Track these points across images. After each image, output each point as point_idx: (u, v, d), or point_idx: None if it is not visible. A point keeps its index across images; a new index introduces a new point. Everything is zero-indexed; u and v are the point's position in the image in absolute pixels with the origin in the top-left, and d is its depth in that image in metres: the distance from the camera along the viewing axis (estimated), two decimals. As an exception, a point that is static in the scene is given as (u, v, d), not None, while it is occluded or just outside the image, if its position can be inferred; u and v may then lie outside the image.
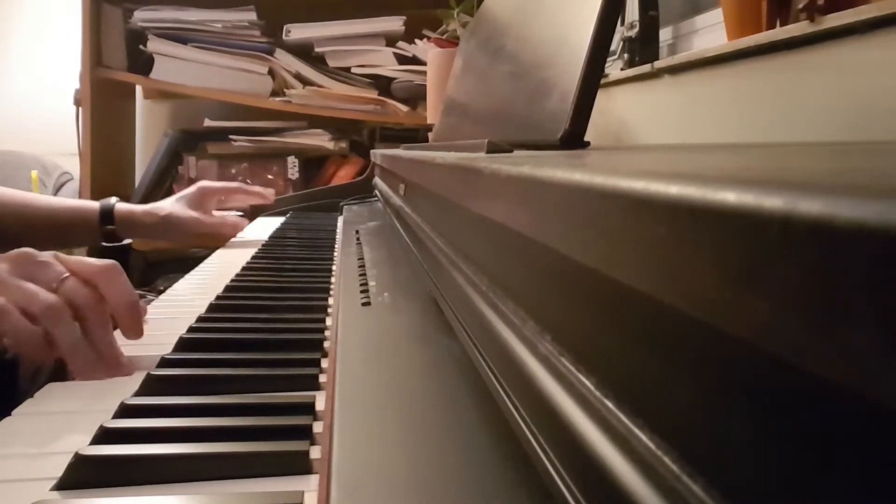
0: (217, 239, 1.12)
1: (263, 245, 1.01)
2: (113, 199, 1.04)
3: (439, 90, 1.28)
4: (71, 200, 1.07)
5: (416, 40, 1.83)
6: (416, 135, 1.74)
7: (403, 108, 1.84)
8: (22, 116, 2.18)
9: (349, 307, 0.56)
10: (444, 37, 1.63)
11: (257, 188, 1.23)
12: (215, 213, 1.14)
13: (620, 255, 0.15)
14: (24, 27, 2.25)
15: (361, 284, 0.64)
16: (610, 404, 0.17)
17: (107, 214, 1.02)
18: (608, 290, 0.18)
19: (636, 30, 0.91)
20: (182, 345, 0.50)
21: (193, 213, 1.07)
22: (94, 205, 1.03)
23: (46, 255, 0.48)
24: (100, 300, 0.48)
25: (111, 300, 0.49)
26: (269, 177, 1.88)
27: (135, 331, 0.51)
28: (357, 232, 0.99)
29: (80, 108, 1.79)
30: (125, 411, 0.38)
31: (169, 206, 1.07)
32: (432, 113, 1.42)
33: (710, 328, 0.12)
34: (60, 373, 0.48)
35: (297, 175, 1.87)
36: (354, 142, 1.91)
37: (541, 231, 0.21)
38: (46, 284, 0.47)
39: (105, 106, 1.87)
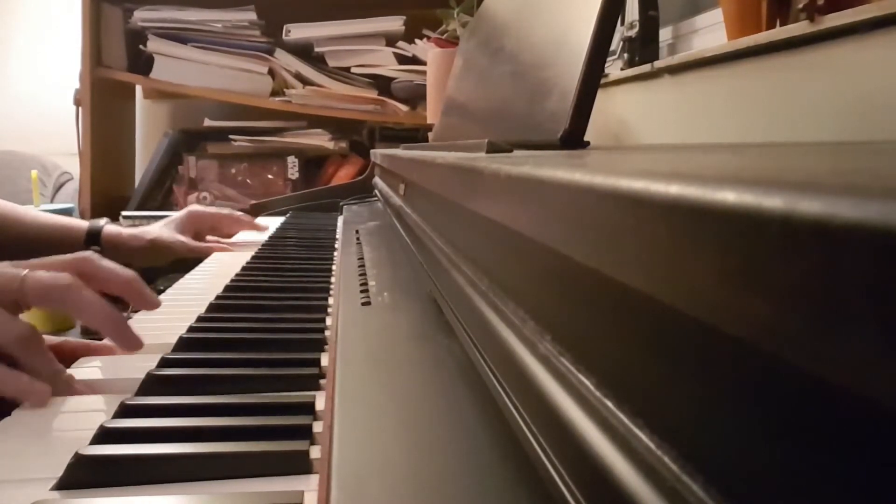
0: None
1: (263, 245, 1.01)
2: (102, 221, 1.03)
3: (439, 90, 1.28)
4: (61, 218, 1.05)
5: (416, 40, 1.83)
6: (416, 135, 1.74)
7: (403, 108, 1.84)
8: (22, 116, 2.18)
9: (349, 307, 0.56)
10: (444, 37, 1.63)
11: (249, 218, 1.20)
12: (209, 238, 1.13)
13: (620, 255, 0.15)
14: (24, 27, 2.25)
15: (361, 284, 0.64)
16: (610, 404, 0.17)
17: (93, 236, 1.01)
18: (608, 291, 0.18)
19: (636, 30, 0.91)
20: (182, 345, 0.50)
21: (180, 238, 1.06)
22: (83, 224, 1.02)
23: None
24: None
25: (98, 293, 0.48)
26: (269, 177, 1.88)
27: (146, 301, 0.51)
28: (357, 232, 0.99)
29: (80, 108, 1.80)
30: (125, 411, 0.38)
31: (156, 230, 1.06)
32: (432, 113, 1.42)
33: (709, 328, 0.12)
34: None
35: (297, 175, 1.87)
36: (354, 142, 1.91)
37: (541, 231, 0.21)
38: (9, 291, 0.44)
39: (105, 106, 1.87)
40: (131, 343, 0.49)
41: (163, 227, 1.08)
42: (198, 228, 1.11)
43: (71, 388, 0.44)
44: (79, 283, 0.46)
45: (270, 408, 0.39)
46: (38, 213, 1.05)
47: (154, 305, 0.51)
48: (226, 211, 1.20)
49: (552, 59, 0.53)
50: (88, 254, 0.50)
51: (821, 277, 0.09)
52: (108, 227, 1.02)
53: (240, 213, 1.21)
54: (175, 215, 1.11)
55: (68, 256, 0.50)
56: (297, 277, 0.76)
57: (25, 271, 0.46)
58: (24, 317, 0.46)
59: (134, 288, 0.51)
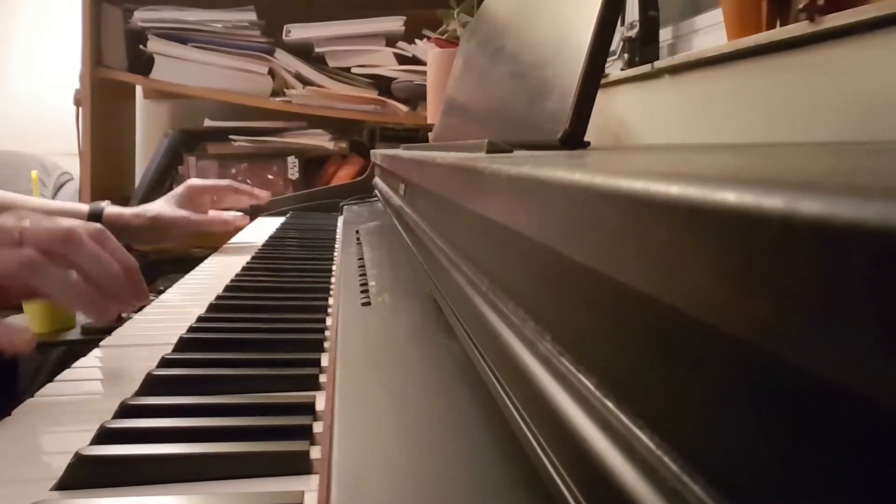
0: (213, 237, 1.10)
1: (263, 245, 1.01)
2: (104, 203, 1.03)
3: (439, 90, 1.28)
4: (62, 203, 1.06)
5: (416, 40, 1.83)
6: (416, 135, 1.74)
7: (403, 108, 1.84)
8: (22, 116, 2.18)
9: (349, 307, 0.56)
10: (444, 37, 1.63)
11: (249, 187, 1.19)
12: (211, 212, 1.13)
13: (620, 255, 0.15)
14: (24, 27, 2.25)
15: (361, 284, 0.64)
16: (610, 404, 0.17)
17: (95, 217, 1.01)
18: (608, 291, 0.18)
19: (636, 30, 0.91)
20: (182, 345, 0.50)
21: (182, 212, 1.05)
22: (85, 208, 1.02)
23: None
24: (65, 233, 0.46)
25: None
26: (269, 177, 1.88)
27: (139, 293, 0.51)
28: (357, 232, 0.99)
29: (80, 108, 1.80)
30: (125, 411, 0.38)
31: (158, 206, 1.06)
32: (432, 113, 1.42)
33: (709, 328, 0.12)
34: (59, 371, 0.48)
35: (297, 175, 1.87)
36: (354, 142, 1.91)
37: (541, 231, 0.21)
38: (8, 241, 0.45)
39: (105, 106, 1.87)
40: (140, 295, 0.51)
41: (164, 204, 1.07)
42: (198, 202, 1.10)
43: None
44: (82, 234, 0.46)
45: (270, 408, 0.39)
46: (38, 199, 1.05)
47: (144, 298, 0.51)
48: (225, 182, 1.18)
49: (552, 59, 0.53)
50: (100, 226, 0.50)
51: (821, 277, 0.09)
52: (109, 208, 1.02)
53: (239, 183, 1.20)
54: (174, 191, 1.10)
55: (80, 222, 0.49)
56: (298, 277, 0.76)
57: (27, 222, 0.46)
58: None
59: (136, 275, 0.51)
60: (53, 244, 0.45)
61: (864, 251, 0.08)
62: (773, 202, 0.10)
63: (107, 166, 1.89)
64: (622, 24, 0.94)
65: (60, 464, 0.32)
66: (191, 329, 0.54)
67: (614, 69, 0.95)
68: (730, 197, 0.11)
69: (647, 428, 0.16)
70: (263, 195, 1.18)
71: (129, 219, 1.03)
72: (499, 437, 0.29)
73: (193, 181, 1.13)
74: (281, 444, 0.34)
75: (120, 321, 0.61)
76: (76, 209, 1.03)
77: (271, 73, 1.85)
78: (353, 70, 1.85)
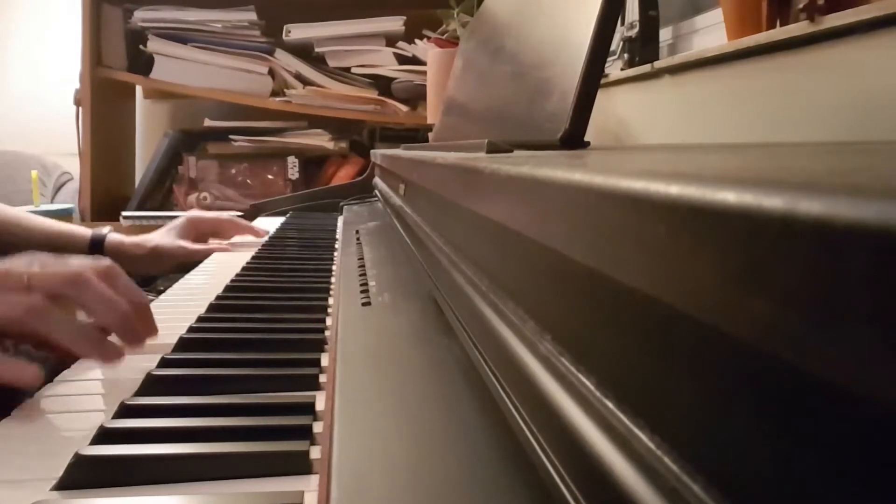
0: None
1: (263, 245, 1.01)
2: (106, 230, 1.04)
3: (439, 90, 1.28)
4: (65, 225, 1.06)
5: (416, 40, 1.83)
6: (416, 135, 1.74)
7: (403, 108, 1.84)
8: (22, 116, 2.18)
9: (349, 307, 0.56)
10: (444, 37, 1.63)
11: (250, 225, 1.20)
12: (212, 241, 1.14)
13: (620, 255, 0.15)
14: (24, 27, 2.25)
15: (361, 284, 0.64)
16: (610, 404, 0.17)
17: (97, 244, 1.02)
18: (608, 290, 0.18)
19: (636, 30, 0.91)
20: (182, 345, 0.50)
21: (180, 242, 1.07)
22: (87, 232, 1.04)
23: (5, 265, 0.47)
24: (73, 276, 0.47)
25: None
26: (269, 177, 1.88)
27: (148, 329, 0.51)
28: (357, 232, 0.99)
29: (80, 108, 1.80)
30: (125, 411, 0.38)
31: (157, 237, 1.08)
32: (432, 113, 1.42)
33: (709, 328, 0.12)
34: (59, 371, 0.48)
35: (297, 175, 1.87)
36: (354, 142, 1.91)
37: (540, 231, 0.21)
38: (16, 286, 0.45)
39: (105, 106, 1.87)
40: (150, 332, 0.51)
41: (164, 235, 1.09)
42: (198, 233, 1.12)
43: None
44: (90, 276, 0.47)
45: (270, 408, 0.39)
46: (42, 219, 1.06)
47: (153, 334, 0.52)
48: (225, 216, 1.20)
49: (552, 59, 0.53)
50: (110, 264, 0.50)
51: (821, 277, 0.09)
52: (111, 235, 1.03)
53: (240, 219, 1.21)
54: (175, 222, 1.12)
55: (90, 261, 0.50)
56: (298, 278, 0.76)
57: (36, 265, 0.46)
58: None
59: (146, 312, 0.51)
60: (61, 287, 0.46)
61: (864, 251, 0.08)
62: (773, 202, 0.10)
63: (107, 166, 1.89)
64: (622, 24, 0.94)
65: (60, 464, 0.32)
66: (191, 329, 0.54)
67: (614, 69, 0.95)
68: (730, 197, 0.11)
69: (647, 428, 0.16)
70: (262, 231, 1.19)
71: (130, 248, 1.04)
72: (499, 437, 0.29)
73: (194, 213, 1.15)
74: (281, 444, 0.34)
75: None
76: (79, 234, 1.04)
77: (271, 73, 1.85)
78: (353, 70, 1.85)
